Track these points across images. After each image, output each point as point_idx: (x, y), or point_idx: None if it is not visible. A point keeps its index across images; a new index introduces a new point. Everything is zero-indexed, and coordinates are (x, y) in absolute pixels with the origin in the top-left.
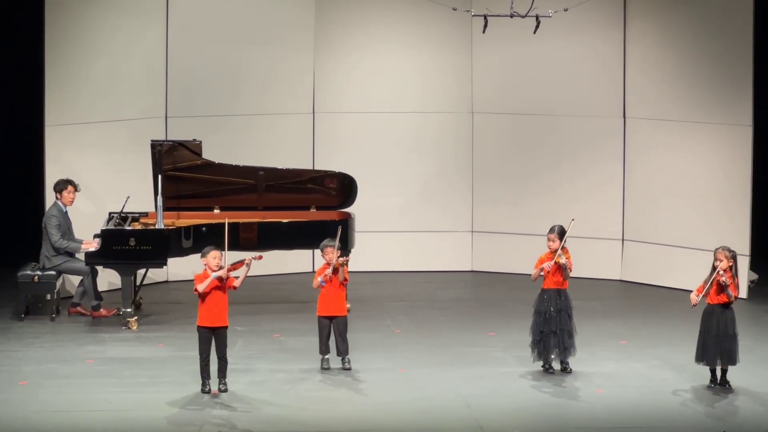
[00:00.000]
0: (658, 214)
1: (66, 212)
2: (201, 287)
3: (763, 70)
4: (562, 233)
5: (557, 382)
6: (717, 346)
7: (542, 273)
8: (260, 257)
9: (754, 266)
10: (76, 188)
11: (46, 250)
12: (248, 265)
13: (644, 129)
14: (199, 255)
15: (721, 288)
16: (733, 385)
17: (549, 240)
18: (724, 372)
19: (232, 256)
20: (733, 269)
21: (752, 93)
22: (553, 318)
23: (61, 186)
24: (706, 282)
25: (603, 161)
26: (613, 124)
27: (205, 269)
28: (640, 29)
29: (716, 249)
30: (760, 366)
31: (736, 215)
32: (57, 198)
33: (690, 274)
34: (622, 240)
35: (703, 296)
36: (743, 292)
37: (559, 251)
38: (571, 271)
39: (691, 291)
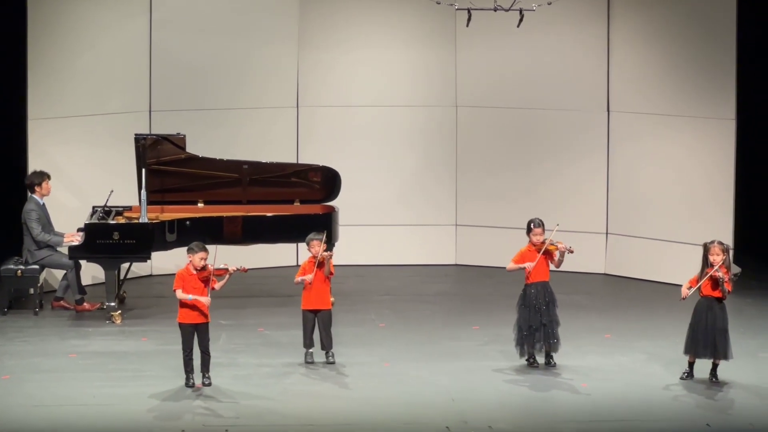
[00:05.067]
0: (642, 208)
1: (43, 204)
2: (179, 296)
3: (746, 64)
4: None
5: (542, 376)
6: (705, 338)
7: (524, 270)
8: (245, 270)
9: (736, 260)
10: (49, 178)
11: (29, 245)
12: (231, 275)
13: (628, 122)
14: (183, 248)
15: (716, 283)
16: (718, 378)
17: (534, 234)
18: (714, 366)
19: (215, 251)
20: (726, 263)
21: (735, 87)
22: (543, 311)
23: (37, 180)
24: (700, 275)
25: (587, 155)
26: (596, 118)
27: (188, 265)
28: (624, 23)
29: (709, 243)
30: (744, 359)
31: (719, 209)
32: (33, 192)
33: (674, 268)
34: (606, 234)
35: (696, 290)
36: None
37: (549, 239)
38: (571, 252)
39: (675, 284)
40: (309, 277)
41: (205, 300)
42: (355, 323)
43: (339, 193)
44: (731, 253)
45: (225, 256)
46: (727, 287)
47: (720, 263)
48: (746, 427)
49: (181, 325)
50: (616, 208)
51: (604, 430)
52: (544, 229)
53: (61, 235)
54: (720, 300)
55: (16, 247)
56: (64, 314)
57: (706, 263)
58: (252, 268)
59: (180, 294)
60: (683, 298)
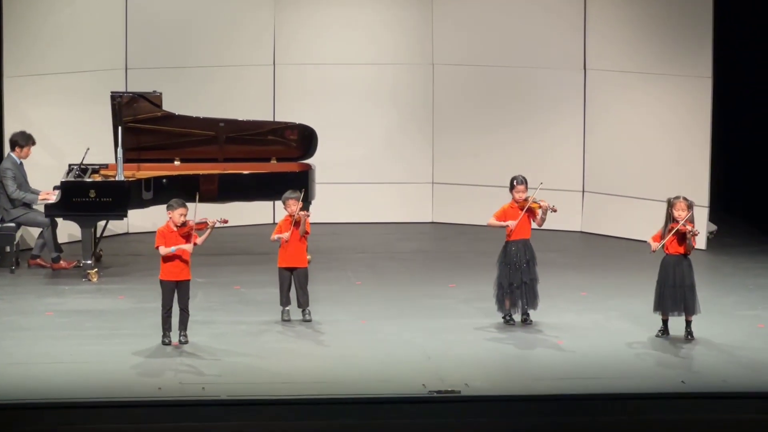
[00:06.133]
0: (619, 166)
1: (21, 164)
2: (163, 252)
3: (723, 22)
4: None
5: (518, 333)
6: (674, 296)
7: (506, 228)
8: (226, 221)
9: (713, 217)
10: (34, 143)
11: (4, 203)
12: (212, 228)
13: (605, 81)
14: (159, 206)
15: (683, 238)
16: (693, 335)
17: (517, 192)
18: (688, 323)
19: (199, 209)
20: (690, 218)
21: (712, 45)
22: (523, 269)
23: (21, 141)
24: (664, 231)
25: (563, 113)
26: (573, 77)
27: (168, 222)
28: None
29: (674, 198)
30: (718, 316)
31: (696, 167)
32: (12, 150)
33: (650, 225)
34: (583, 192)
35: (662, 245)
36: (702, 244)
37: (532, 197)
38: (554, 211)
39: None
40: (285, 236)
41: (187, 247)
42: (331, 281)
43: (316, 151)
44: (707, 211)
45: (202, 212)
46: (693, 242)
47: (686, 218)
48: (719, 383)
49: (162, 282)
50: (592, 166)
51: (580, 387)
52: (527, 187)
53: (37, 193)
54: (686, 256)
55: None
56: (41, 272)
57: (670, 219)
58: (228, 226)
59: (163, 249)
60: (653, 251)
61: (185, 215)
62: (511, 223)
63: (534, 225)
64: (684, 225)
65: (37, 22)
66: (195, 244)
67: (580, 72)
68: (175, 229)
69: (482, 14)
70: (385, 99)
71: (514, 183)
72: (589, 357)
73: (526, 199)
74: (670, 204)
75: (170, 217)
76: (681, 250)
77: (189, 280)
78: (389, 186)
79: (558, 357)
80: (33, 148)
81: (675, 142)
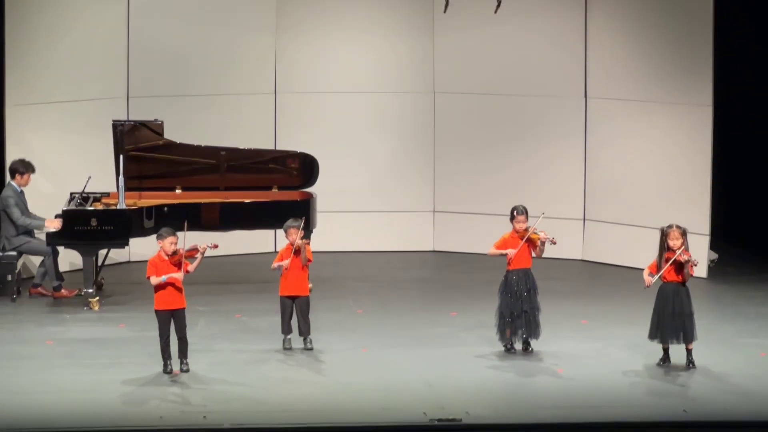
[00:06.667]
0: (620, 194)
1: (21, 192)
2: (154, 282)
3: (723, 50)
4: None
5: (519, 362)
6: (672, 324)
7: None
8: (215, 246)
9: (713, 246)
10: (33, 171)
11: (6, 231)
12: (203, 254)
13: (605, 109)
14: None
15: (680, 267)
16: (695, 363)
17: (518, 222)
18: (689, 351)
19: (192, 238)
20: (685, 245)
21: (712, 73)
22: (524, 298)
23: (21, 168)
24: (659, 261)
25: (565, 141)
26: (574, 105)
27: (159, 251)
28: (601, 9)
29: (667, 228)
30: (719, 345)
31: (697, 195)
32: (13, 178)
33: (651, 254)
34: (584, 220)
35: (658, 276)
36: (703, 272)
37: (533, 227)
38: (554, 243)
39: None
40: (285, 263)
41: (178, 275)
42: (332, 309)
43: (317, 180)
44: (708, 239)
45: (200, 241)
46: (691, 271)
47: (681, 246)
48: (721, 412)
49: (157, 313)
50: (593, 194)
51: (581, 416)
52: (527, 217)
53: (42, 219)
54: (683, 284)
55: None
56: (42, 301)
57: (665, 248)
58: (230, 255)
59: (154, 279)
60: (647, 286)
61: (176, 243)
62: (511, 252)
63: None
64: (681, 255)
65: (39, 51)
66: (187, 272)
67: (581, 100)
68: (166, 258)
69: (484, 42)
70: (386, 127)
71: (515, 213)
72: (590, 385)
73: (526, 229)
74: (664, 233)
75: (161, 246)
76: (679, 278)
77: (184, 308)
78: (390, 214)
79: (559, 385)
80: (34, 176)
81: (676, 170)
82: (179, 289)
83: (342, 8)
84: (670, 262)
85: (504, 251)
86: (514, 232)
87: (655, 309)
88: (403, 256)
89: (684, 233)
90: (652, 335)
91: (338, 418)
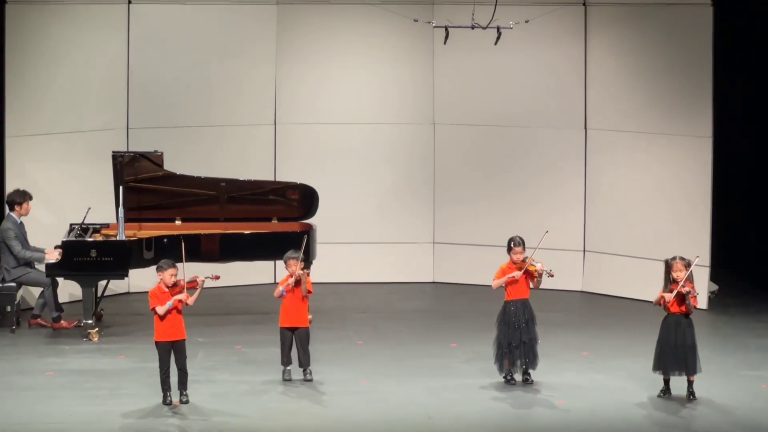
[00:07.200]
0: (620, 225)
1: (21, 223)
2: (161, 311)
3: (723, 82)
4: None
5: (518, 393)
6: (675, 355)
7: (508, 280)
8: (217, 277)
9: (714, 277)
10: (31, 198)
11: (6, 263)
12: (201, 286)
13: (605, 140)
14: None
15: (683, 299)
16: (696, 395)
17: (515, 253)
18: (690, 383)
19: (192, 268)
20: (689, 277)
21: (712, 105)
22: (522, 329)
23: (19, 199)
24: (665, 292)
25: (564, 172)
26: (574, 136)
27: (159, 283)
28: (601, 41)
29: (671, 260)
30: (720, 376)
31: (696, 226)
32: (12, 210)
33: (651, 285)
34: (584, 251)
35: (663, 306)
36: (703, 304)
37: (530, 257)
38: (551, 276)
39: (652, 302)
40: (291, 281)
41: (181, 296)
42: (332, 340)
43: (317, 211)
44: (708, 271)
45: (200, 272)
46: (693, 303)
47: (684, 278)
48: None
49: (158, 344)
50: (593, 225)
51: None
52: (524, 248)
53: (42, 251)
54: (687, 316)
55: None
56: (41, 332)
57: (669, 280)
58: (230, 286)
59: (160, 308)
60: (659, 304)
61: (176, 275)
62: (517, 274)
63: (531, 286)
64: (682, 287)
65: (38, 82)
66: (186, 304)
67: (581, 131)
68: (166, 290)
69: (483, 74)
70: (386, 158)
71: (512, 245)
72: (590, 417)
73: (524, 260)
74: (668, 265)
75: (161, 278)
76: (682, 309)
77: (184, 340)
78: (390, 246)
79: (559, 417)
80: (34, 207)
81: (675, 201)
82: (180, 321)
83: (342, 40)
84: (674, 293)
85: (510, 275)
86: (511, 263)
87: (658, 340)
88: (403, 287)
89: (688, 265)
90: (656, 366)
91: None
